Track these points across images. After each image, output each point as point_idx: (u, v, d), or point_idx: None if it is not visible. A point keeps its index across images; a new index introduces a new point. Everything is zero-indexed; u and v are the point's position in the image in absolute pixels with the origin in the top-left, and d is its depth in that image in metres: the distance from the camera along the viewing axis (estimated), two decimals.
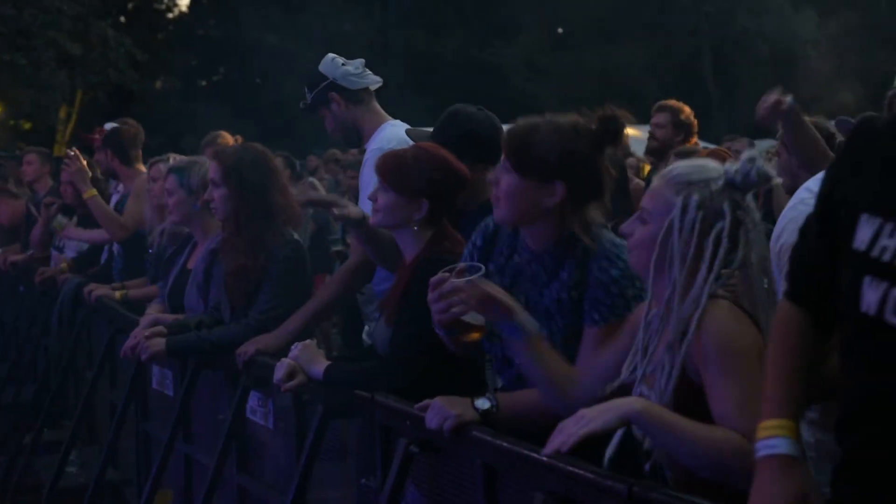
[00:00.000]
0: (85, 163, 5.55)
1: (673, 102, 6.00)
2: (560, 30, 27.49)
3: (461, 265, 2.47)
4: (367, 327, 3.91)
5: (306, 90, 3.92)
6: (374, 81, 3.88)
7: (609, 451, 2.01)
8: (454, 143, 3.15)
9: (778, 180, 2.34)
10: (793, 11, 25.22)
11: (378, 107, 3.90)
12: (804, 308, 1.76)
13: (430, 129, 3.44)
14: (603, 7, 25.27)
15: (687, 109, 5.93)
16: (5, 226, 7.56)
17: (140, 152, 5.83)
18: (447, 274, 2.42)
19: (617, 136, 2.51)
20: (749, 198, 2.14)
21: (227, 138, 5.71)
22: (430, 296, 2.43)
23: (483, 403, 2.47)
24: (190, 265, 4.30)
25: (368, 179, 3.72)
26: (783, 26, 24.92)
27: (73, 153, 5.45)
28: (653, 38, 24.99)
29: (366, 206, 3.68)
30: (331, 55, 3.91)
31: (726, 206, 2.10)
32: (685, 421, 1.96)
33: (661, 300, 2.14)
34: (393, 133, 3.79)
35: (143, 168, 5.71)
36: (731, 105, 23.77)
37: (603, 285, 2.45)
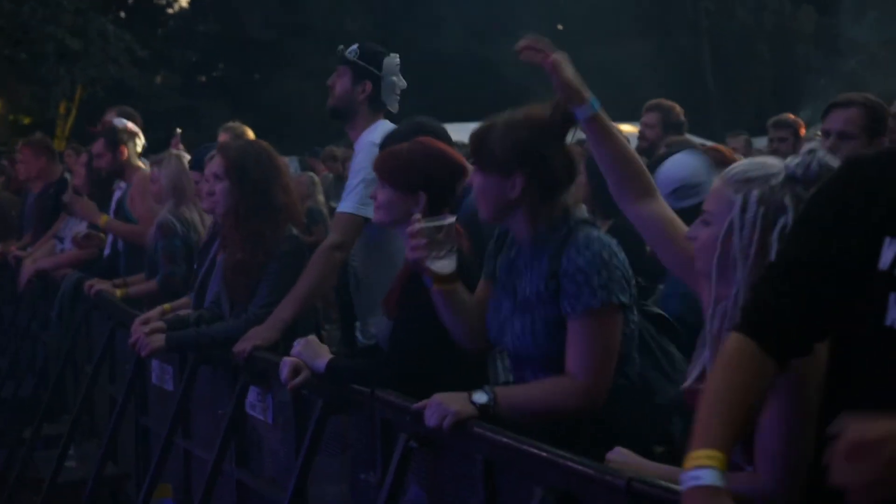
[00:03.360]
0: (86, 198, 5.60)
1: (664, 102, 5.96)
2: (559, 26, 27.47)
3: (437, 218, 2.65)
4: (357, 324, 3.93)
5: (357, 49, 3.92)
6: (394, 106, 3.94)
7: None
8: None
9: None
10: (792, 7, 25.22)
11: (381, 115, 3.94)
12: (763, 344, 1.78)
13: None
14: (602, 3, 25.25)
15: (678, 108, 5.90)
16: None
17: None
18: (418, 215, 2.63)
19: (572, 121, 2.53)
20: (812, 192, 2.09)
21: (247, 131, 5.71)
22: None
23: (480, 397, 2.48)
24: (220, 257, 4.29)
25: (357, 168, 3.77)
26: (782, 22, 24.93)
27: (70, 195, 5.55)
28: (652, 35, 24.97)
29: (349, 196, 3.74)
30: (397, 58, 3.94)
31: (788, 201, 2.07)
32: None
33: (726, 301, 2.11)
34: (385, 129, 3.85)
35: (140, 164, 5.72)
36: (730, 101, 23.78)
37: (569, 275, 2.49)
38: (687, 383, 2.20)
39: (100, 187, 5.85)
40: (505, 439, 2.34)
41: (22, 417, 6.21)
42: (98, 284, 5.30)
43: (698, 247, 2.18)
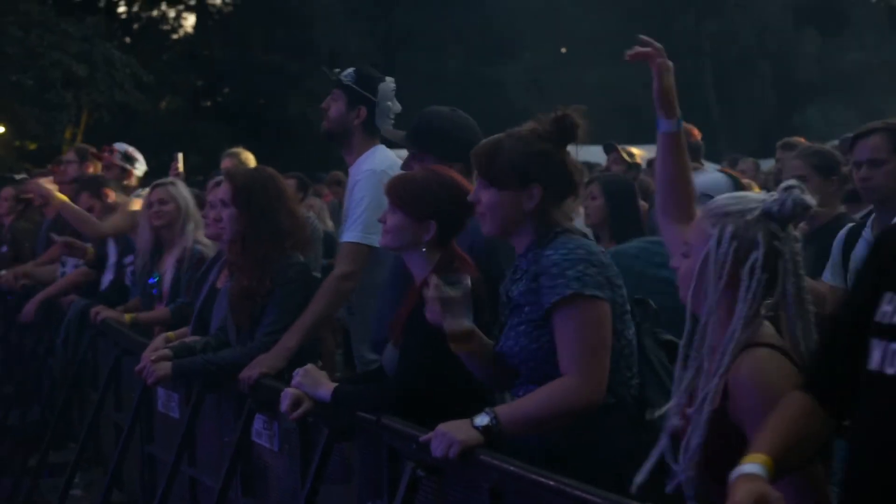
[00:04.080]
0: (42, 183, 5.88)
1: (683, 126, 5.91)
2: (563, 49, 27.57)
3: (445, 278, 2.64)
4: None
5: (353, 73, 3.94)
6: (386, 131, 3.95)
7: (639, 477, 2.08)
8: (425, 141, 3.32)
9: (814, 207, 2.24)
10: (795, 29, 25.31)
11: (377, 140, 3.97)
12: (816, 396, 1.89)
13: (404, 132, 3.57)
14: (605, 25, 25.36)
15: (696, 132, 5.88)
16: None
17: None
18: (434, 278, 2.62)
19: (573, 132, 2.64)
20: (790, 229, 2.15)
21: (249, 157, 5.74)
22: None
23: (482, 420, 2.49)
24: (219, 284, 4.30)
25: (359, 198, 3.78)
26: (785, 45, 25.01)
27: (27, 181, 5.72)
28: None
29: (353, 226, 3.75)
30: (393, 83, 3.96)
31: (760, 237, 2.10)
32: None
33: (702, 333, 2.15)
34: (384, 156, 3.88)
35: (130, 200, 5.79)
36: (733, 124, 23.82)
37: (545, 271, 2.55)
38: (672, 409, 2.20)
39: None
40: (512, 467, 2.34)
41: (28, 445, 6.20)
42: (104, 312, 5.31)
43: (679, 278, 2.22)
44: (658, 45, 2.59)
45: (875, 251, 1.90)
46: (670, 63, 2.58)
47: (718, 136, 22.05)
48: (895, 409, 1.71)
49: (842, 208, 4.08)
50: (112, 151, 6.35)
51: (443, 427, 2.51)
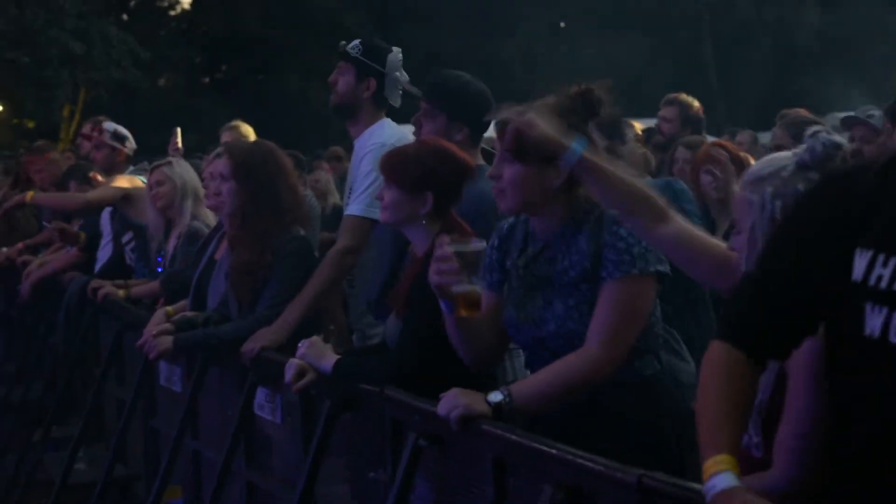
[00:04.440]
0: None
1: (683, 97, 5.86)
2: (561, 24, 27.45)
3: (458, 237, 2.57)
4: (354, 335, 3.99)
5: (360, 45, 3.92)
6: (396, 101, 3.95)
7: None
8: (442, 99, 3.32)
9: (848, 146, 2.20)
10: (794, 2, 25.18)
11: (384, 112, 3.95)
12: (745, 350, 1.82)
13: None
14: None
15: (696, 104, 5.83)
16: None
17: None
18: (446, 237, 2.52)
19: (595, 107, 2.57)
20: None
21: (249, 130, 5.74)
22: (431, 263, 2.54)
23: (495, 396, 2.48)
24: (217, 256, 4.29)
25: (366, 171, 3.77)
26: (784, 17, 24.90)
27: None
28: (653, 29, 24.93)
29: (358, 200, 3.75)
30: (400, 53, 3.93)
31: (802, 188, 2.06)
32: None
33: None
34: (392, 129, 3.86)
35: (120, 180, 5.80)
36: (732, 96, 23.75)
37: (610, 244, 2.52)
38: None
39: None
40: (514, 437, 2.35)
41: (31, 421, 6.23)
42: (103, 287, 5.30)
43: (737, 256, 2.18)
44: (515, 108, 2.44)
45: (834, 201, 1.79)
46: (530, 114, 2.40)
47: (717, 108, 22.00)
48: None
49: None
50: (101, 131, 6.34)
51: (456, 390, 2.50)
